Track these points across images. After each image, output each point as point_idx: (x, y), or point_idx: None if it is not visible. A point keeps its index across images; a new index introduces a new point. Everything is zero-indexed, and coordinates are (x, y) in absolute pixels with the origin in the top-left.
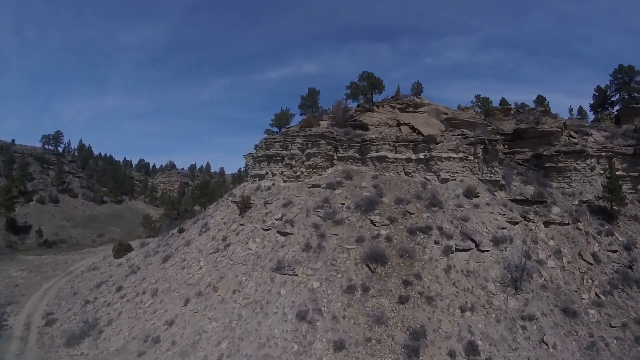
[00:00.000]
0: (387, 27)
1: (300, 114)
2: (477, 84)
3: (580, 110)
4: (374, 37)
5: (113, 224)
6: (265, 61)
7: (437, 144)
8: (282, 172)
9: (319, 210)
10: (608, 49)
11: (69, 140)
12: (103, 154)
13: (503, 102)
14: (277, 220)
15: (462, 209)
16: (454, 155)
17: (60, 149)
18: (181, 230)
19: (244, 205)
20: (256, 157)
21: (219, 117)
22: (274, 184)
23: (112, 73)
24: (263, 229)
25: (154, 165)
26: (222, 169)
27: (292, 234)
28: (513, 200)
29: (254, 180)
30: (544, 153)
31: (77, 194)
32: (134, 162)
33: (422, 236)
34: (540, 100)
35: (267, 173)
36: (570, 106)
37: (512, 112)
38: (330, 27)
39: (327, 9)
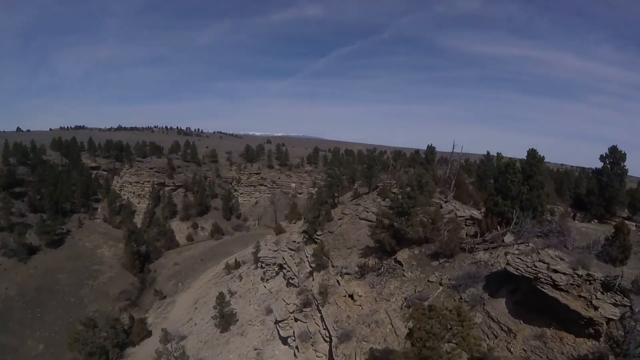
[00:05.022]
0: None
1: None
2: (489, 36)
3: None
4: None
5: (36, 318)
6: (266, 3)
7: None
8: None
9: None
10: (625, 12)
11: None
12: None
13: None
14: None
15: None
16: None
17: None
18: None
19: None
20: None
21: (218, 62)
22: None
23: (108, 21)
24: None
25: (127, 145)
26: (214, 152)
27: None
28: None
29: None
30: None
31: None
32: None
33: None
34: None
35: None
36: None
37: None
38: None
39: None
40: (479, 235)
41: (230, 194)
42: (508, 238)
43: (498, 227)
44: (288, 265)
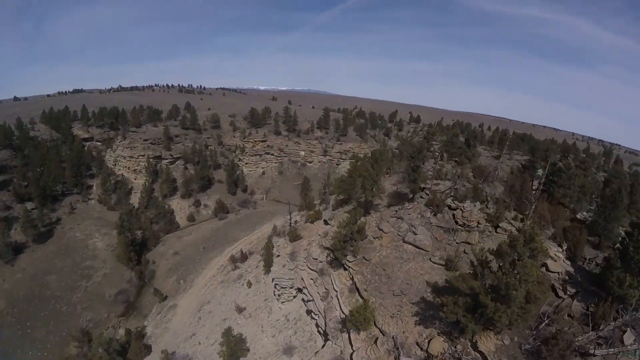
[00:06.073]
0: None
1: None
2: None
3: None
4: None
5: (27, 335)
6: None
7: None
8: None
9: None
10: None
11: None
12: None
13: None
14: None
15: None
16: None
17: None
18: None
19: None
20: None
21: (220, 16)
22: None
23: None
24: None
25: (122, 112)
26: (215, 117)
27: None
28: None
29: None
30: None
31: None
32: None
33: None
34: None
35: None
36: None
37: None
38: None
39: None
40: (590, 324)
41: (235, 165)
42: (628, 337)
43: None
44: (309, 293)
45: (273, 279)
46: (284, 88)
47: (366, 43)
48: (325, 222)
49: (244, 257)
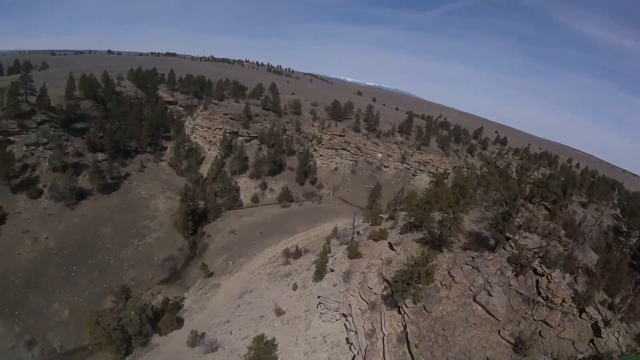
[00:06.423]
0: None
1: None
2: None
3: None
4: None
5: (70, 278)
6: None
7: None
8: None
9: None
10: None
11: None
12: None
13: None
14: None
15: None
16: None
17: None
18: None
19: None
20: None
21: (316, 4)
22: None
23: None
24: None
25: (208, 82)
26: (297, 103)
27: None
28: None
29: None
30: None
31: (41, 191)
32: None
33: None
34: None
35: None
36: None
37: None
38: None
39: None
40: None
41: (308, 155)
42: None
43: None
44: (354, 324)
45: (319, 296)
46: (370, 83)
47: (460, 49)
48: (390, 246)
49: (297, 253)
